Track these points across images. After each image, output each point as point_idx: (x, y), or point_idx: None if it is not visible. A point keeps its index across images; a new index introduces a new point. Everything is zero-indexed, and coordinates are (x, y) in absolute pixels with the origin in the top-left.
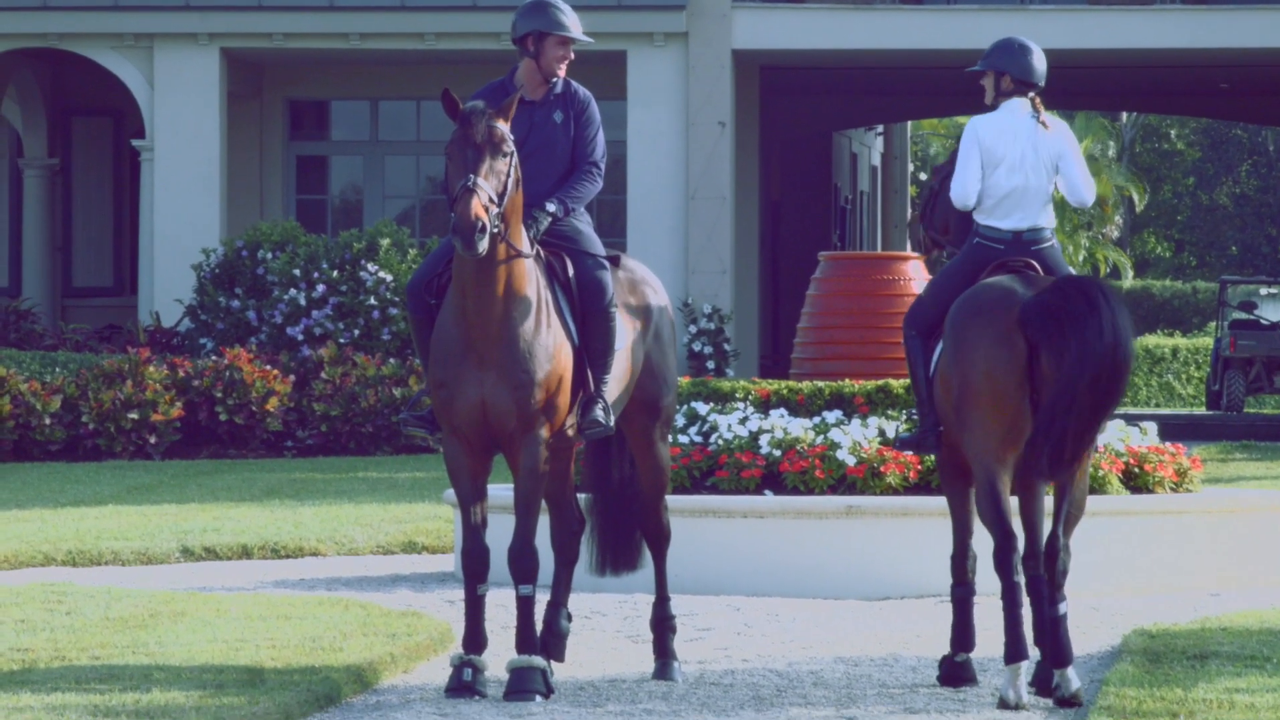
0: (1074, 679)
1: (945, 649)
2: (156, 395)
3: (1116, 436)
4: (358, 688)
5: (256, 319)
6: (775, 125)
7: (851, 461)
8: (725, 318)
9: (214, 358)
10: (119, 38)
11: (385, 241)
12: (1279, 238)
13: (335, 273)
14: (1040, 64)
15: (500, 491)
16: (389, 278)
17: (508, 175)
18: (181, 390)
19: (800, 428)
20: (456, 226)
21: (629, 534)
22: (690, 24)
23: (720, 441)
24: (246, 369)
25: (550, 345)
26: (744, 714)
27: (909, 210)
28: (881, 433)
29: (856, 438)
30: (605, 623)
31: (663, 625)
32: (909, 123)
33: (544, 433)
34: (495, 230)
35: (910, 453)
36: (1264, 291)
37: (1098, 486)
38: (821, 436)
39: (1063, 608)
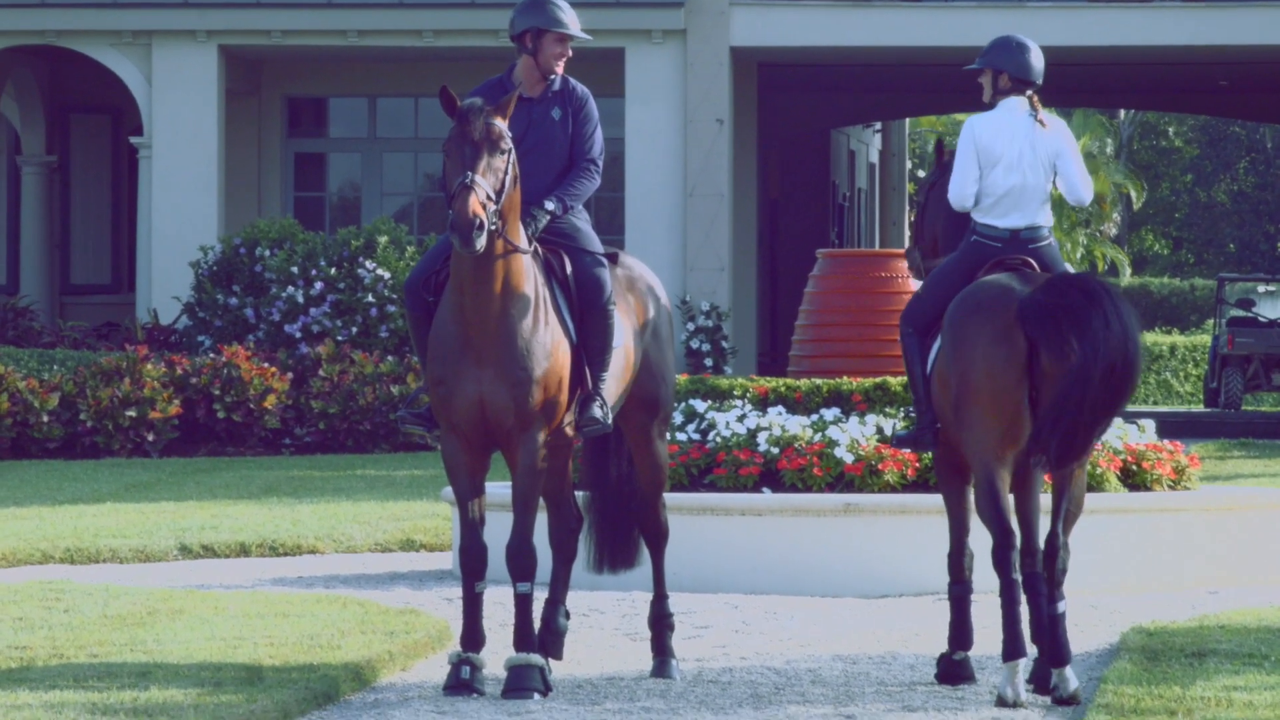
0: (1072, 678)
1: (943, 647)
2: (154, 393)
3: (1114, 434)
4: (356, 685)
5: (254, 316)
6: (773, 123)
7: (849, 459)
8: (723, 315)
9: (212, 355)
10: (117, 35)
11: (383, 239)
12: (1277, 235)
13: (333, 270)
14: (1038, 62)
15: (498, 489)
16: (387, 275)
17: (505, 172)
18: (179, 388)
19: (798, 425)
20: (454, 223)
21: (627, 532)
22: (688, 21)
23: (718, 439)
24: (244, 366)
25: (548, 343)
26: (742, 712)
27: (907, 207)
28: (879, 430)
29: (854, 435)
30: (603, 620)
31: (661, 623)
32: (907, 120)
33: (542, 430)
34: (493, 227)
35: (908, 450)
36: (1262, 289)
37: (1096, 484)
38: (819, 434)
39: (1061, 606)
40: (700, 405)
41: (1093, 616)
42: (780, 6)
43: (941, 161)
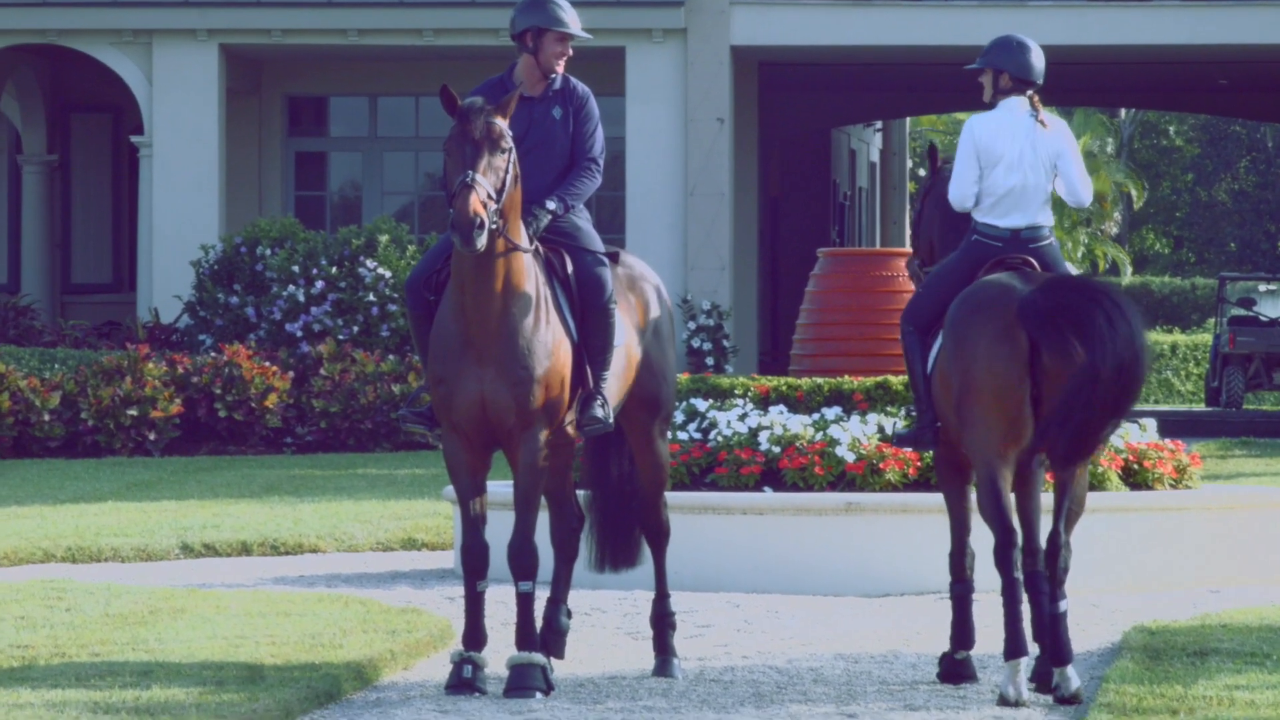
0: (1074, 678)
1: (945, 646)
2: (156, 392)
3: (1116, 433)
4: (358, 684)
5: (255, 315)
6: (774, 122)
7: (851, 458)
8: (724, 314)
9: (213, 354)
10: (118, 34)
11: (384, 238)
12: (1278, 234)
13: (334, 269)
14: (1039, 62)
15: (500, 488)
16: (388, 274)
17: (506, 171)
18: (181, 387)
19: (799, 424)
20: (455, 222)
21: (628, 531)
22: (689, 20)
23: (719, 438)
24: (245, 365)
25: (549, 342)
26: (744, 711)
27: (908, 206)
28: (881, 429)
29: (856, 434)
30: (605, 619)
31: (662, 622)
32: (908, 119)
33: (543, 429)
34: (494, 226)
35: (908, 449)
36: (1263, 288)
37: (1097, 483)
38: (821, 433)
39: (1063, 605)
40: (701, 404)
41: (1094, 615)
42: (781, 6)
43: (935, 168)
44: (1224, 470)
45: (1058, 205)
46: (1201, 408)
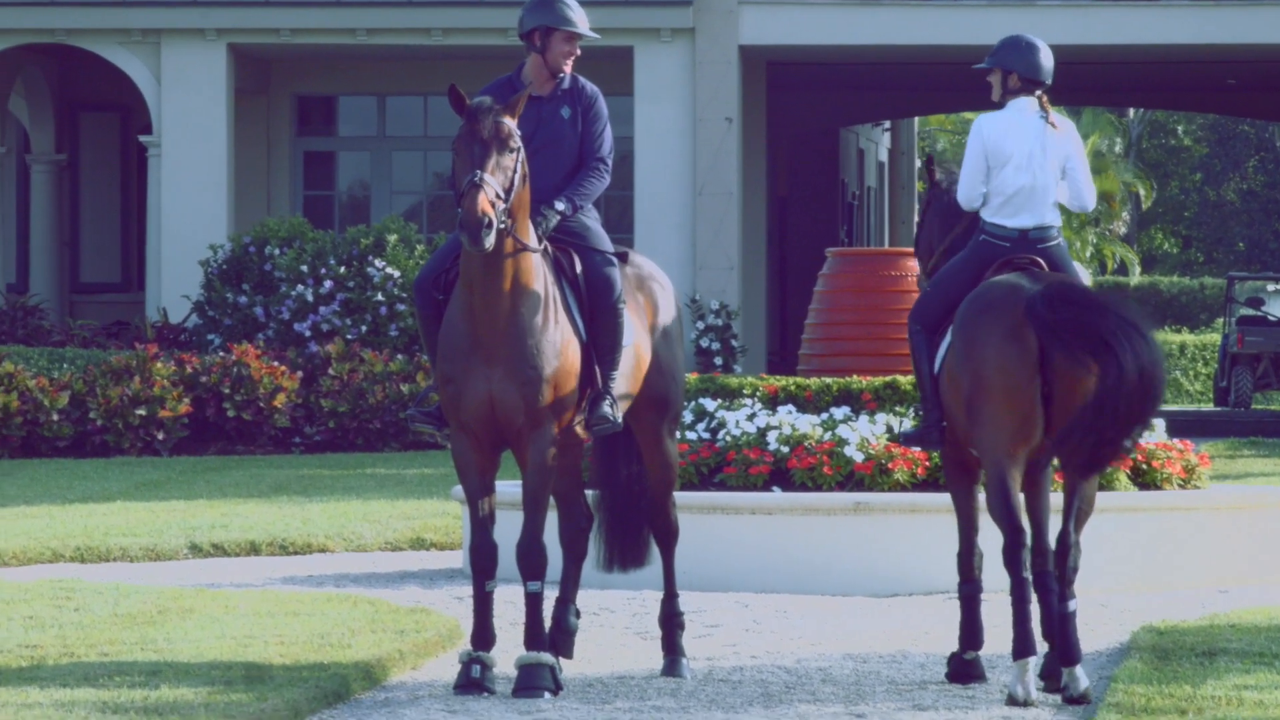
0: (1082, 678)
1: (954, 645)
2: (164, 391)
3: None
4: (366, 684)
5: (264, 315)
6: (782, 121)
7: (859, 458)
8: (733, 314)
9: (221, 354)
10: (126, 33)
11: (393, 237)
12: None
13: (343, 269)
14: (1048, 61)
15: (508, 488)
16: (396, 274)
17: (515, 171)
18: (189, 386)
19: (808, 424)
20: (463, 222)
21: (637, 531)
22: (697, 20)
23: (728, 438)
24: (254, 365)
25: (558, 341)
26: (753, 710)
27: (916, 206)
28: (889, 429)
29: (864, 434)
30: (614, 619)
31: (671, 622)
32: (916, 118)
33: (552, 429)
34: (502, 226)
35: (915, 448)
36: (1271, 288)
37: (1106, 483)
38: (829, 433)
39: (1072, 605)
40: (710, 404)
41: (1103, 615)
42: (789, 5)
43: (934, 179)
44: (1232, 470)
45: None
46: (1210, 407)
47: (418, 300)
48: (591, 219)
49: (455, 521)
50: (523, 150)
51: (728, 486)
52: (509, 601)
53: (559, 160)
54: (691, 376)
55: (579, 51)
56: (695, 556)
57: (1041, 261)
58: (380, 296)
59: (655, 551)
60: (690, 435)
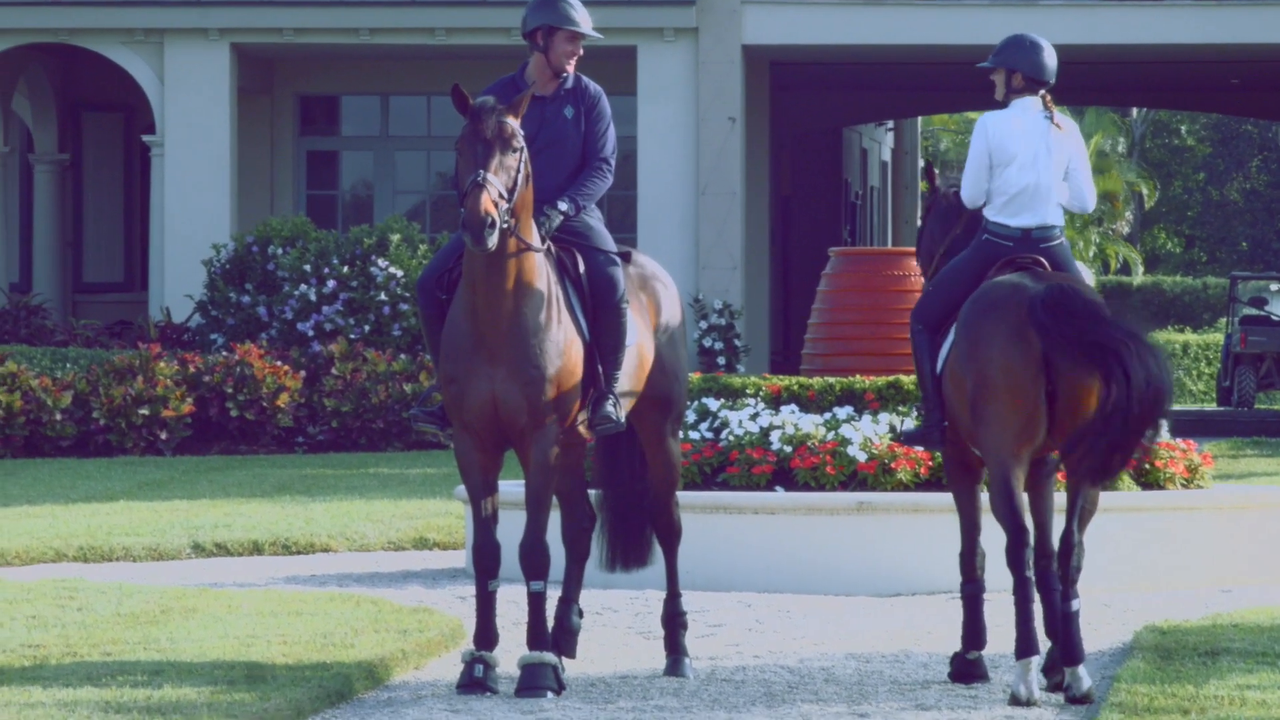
0: (1084, 678)
1: (957, 645)
2: (167, 391)
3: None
4: (369, 684)
5: (267, 314)
6: (785, 120)
7: (862, 457)
8: (736, 313)
9: (225, 353)
10: (129, 33)
11: (396, 237)
12: None
13: (346, 268)
14: (1051, 61)
15: (511, 488)
16: (399, 273)
17: (518, 171)
18: (192, 386)
19: (811, 424)
20: (466, 222)
21: (640, 530)
22: (700, 19)
23: (731, 437)
24: (257, 365)
25: (561, 341)
26: (756, 710)
27: (919, 205)
28: (892, 429)
29: (867, 434)
30: (616, 619)
31: (674, 621)
32: (919, 118)
33: (555, 429)
34: (505, 225)
35: (916, 447)
36: (1274, 287)
37: (1109, 483)
38: (832, 432)
39: (1075, 604)
40: (713, 403)
41: (1106, 615)
42: (792, 5)
43: (933, 186)
44: (1235, 470)
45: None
46: (1213, 407)
47: (421, 300)
48: (594, 219)
49: (458, 521)
50: (526, 150)
51: (731, 486)
52: (512, 601)
53: (562, 160)
54: (694, 376)
55: (582, 51)
56: (698, 556)
57: (1044, 261)
58: (383, 296)
59: (658, 551)
60: (693, 435)
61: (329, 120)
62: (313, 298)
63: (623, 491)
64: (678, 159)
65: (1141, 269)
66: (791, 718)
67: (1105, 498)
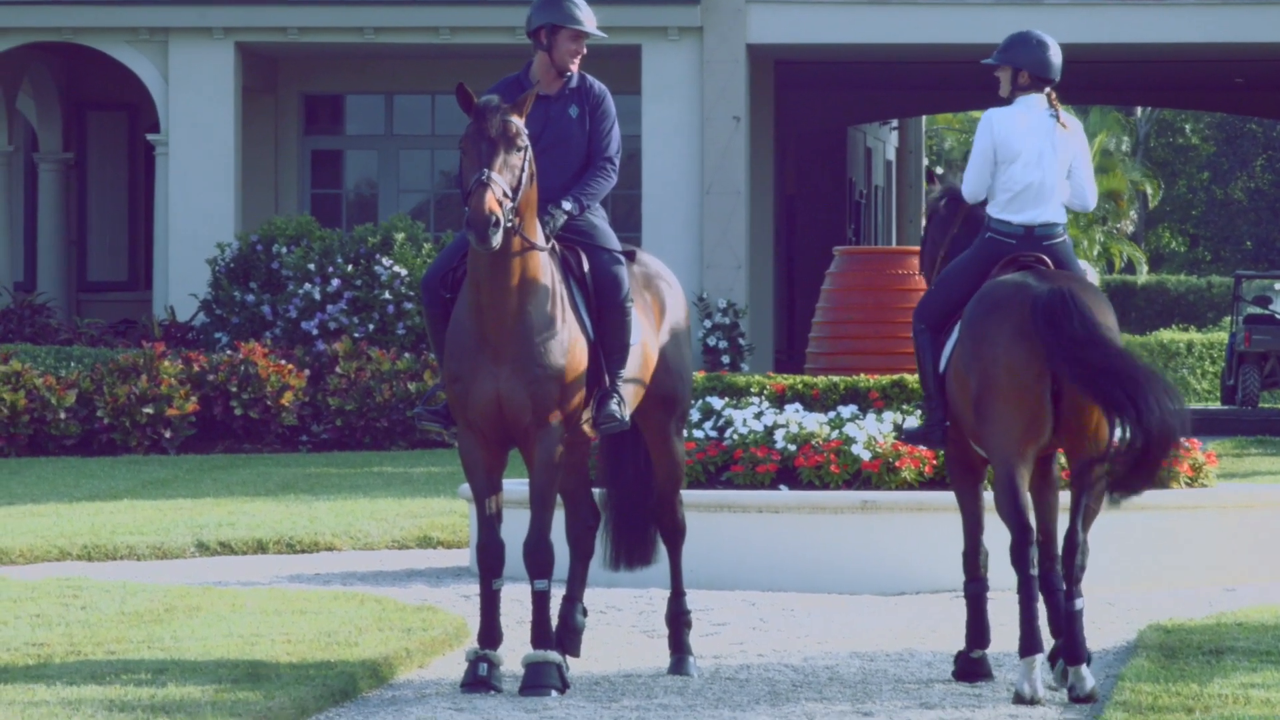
0: (1088, 677)
1: (961, 644)
2: (171, 390)
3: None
4: (373, 682)
5: (271, 313)
6: (790, 120)
7: (867, 456)
8: (740, 312)
9: (229, 352)
10: (134, 32)
11: (400, 236)
12: None
13: (350, 267)
14: (1057, 59)
15: (516, 486)
16: (404, 272)
17: (522, 170)
18: (196, 385)
19: (815, 422)
20: (470, 220)
21: (644, 529)
22: (705, 19)
23: (735, 436)
24: (261, 363)
25: (565, 340)
26: (759, 709)
27: (924, 204)
28: (896, 427)
29: (871, 432)
30: (620, 618)
31: (678, 620)
32: (924, 117)
33: (559, 427)
34: (509, 224)
35: (920, 446)
36: (1278, 286)
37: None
38: (836, 431)
39: (1079, 603)
40: (717, 402)
41: (1110, 614)
42: (797, 4)
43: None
44: (1240, 469)
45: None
46: (1217, 406)
47: (425, 299)
48: (599, 217)
49: (462, 520)
50: (530, 149)
51: (735, 485)
52: (516, 600)
53: (566, 159)
54: (699, 375)
55: (585, 50)
56: (702, 555)
57: (1047, 259)
58: (388, 295)
59: (662, 550)
60: (697, 433)
61: (333, 119)
62: (317, 296)
63: (627, 490)
64: (682, 158)
65: (1146, 268)
66: (796, 716)
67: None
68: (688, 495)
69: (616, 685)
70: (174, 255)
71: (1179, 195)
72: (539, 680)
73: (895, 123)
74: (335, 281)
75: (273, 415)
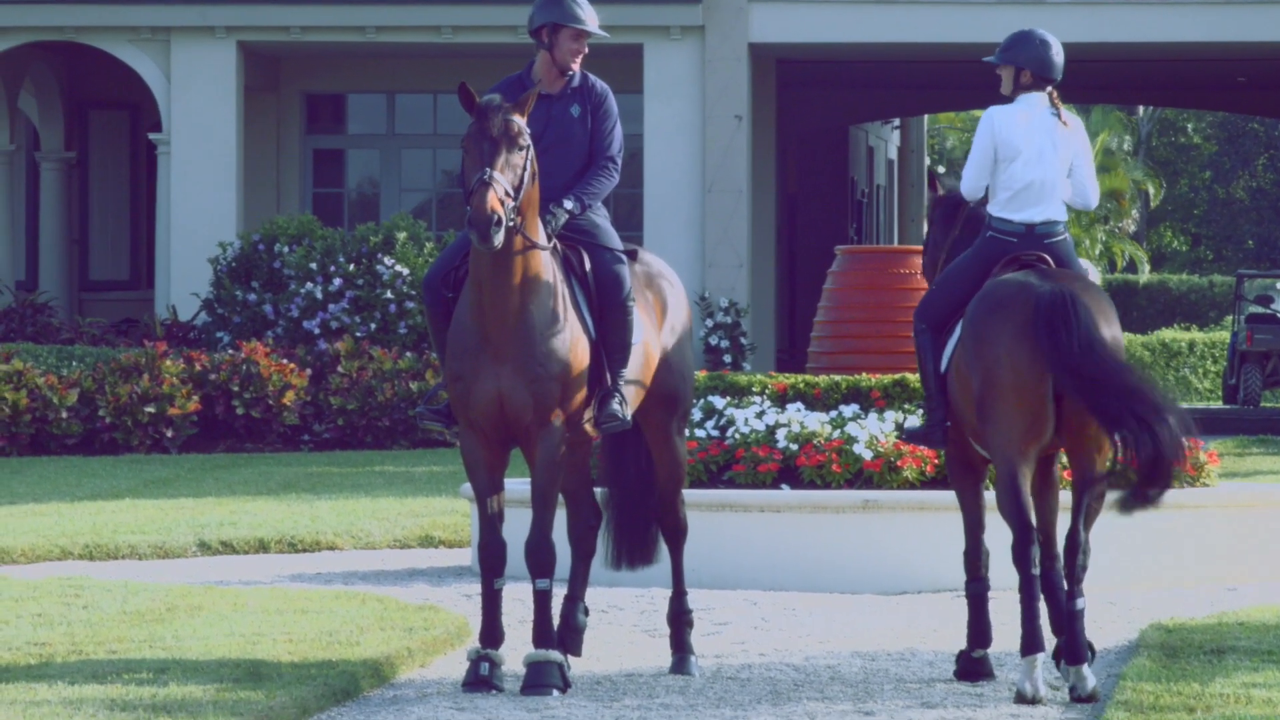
0: (1090, 677)
1: (962, 643)
2: (173, 389)
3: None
4: (375, 682)
5: (273, 313)
6: (792, 119)
7: (868, 456)
8: (742, 311)
9: (230, 351)
10: (135, 31)
11: (402, 235)
12: None
13: (352, 266)
14: (1059, 58)
15: (517, 486)
16: (406, 271)
17: (524, 169)
18: (198, 384)
19: (817, 422)
20: (472, 220)
21: (645, 528)
22: (707, 17)
23: (737, 435)
24: (263, 363)
25: (567, 339)
26: (761, 708)
27: (925, 204)
28: (898, 427)
29: (873, 432)
30: (622, 617)
31: (679, 619)
32: (926, 116)
33: (560, 427)
34: (511, 223)
35: (921, 446)
36: None
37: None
38: (838, 430)
39: (1080, 603)
40: (719, 401)
41: (1111, 613)
42: (799, 3)
43: (937, 195)
44: (1241, 468)
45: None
46: (1219, 405)
47: (427, 298)
48: (600, 216)
49: (464, 519)
50: (532, 148)
51: (736, 484)
52: (517, 599)
53: (568, 158)
54: (700, 374)
55: (587, 49)
56: (704, 554)
57: (1048, 258)
58: (389, 294)
59: (664, 549)
60: (699, 433)
61: (335, 118)
62: (319, 296)
63: (629, 489)
64: (684, 157)
65: (1148, 267)
66: (797, 716)
67: (1111, 496)
68: (689, 494)
69: (618, 684)
70: (176, 254)
71: (1181, 194)
72: (541, 679)
73: (897, 122)
74: (337, 281)
75: (274, 414)
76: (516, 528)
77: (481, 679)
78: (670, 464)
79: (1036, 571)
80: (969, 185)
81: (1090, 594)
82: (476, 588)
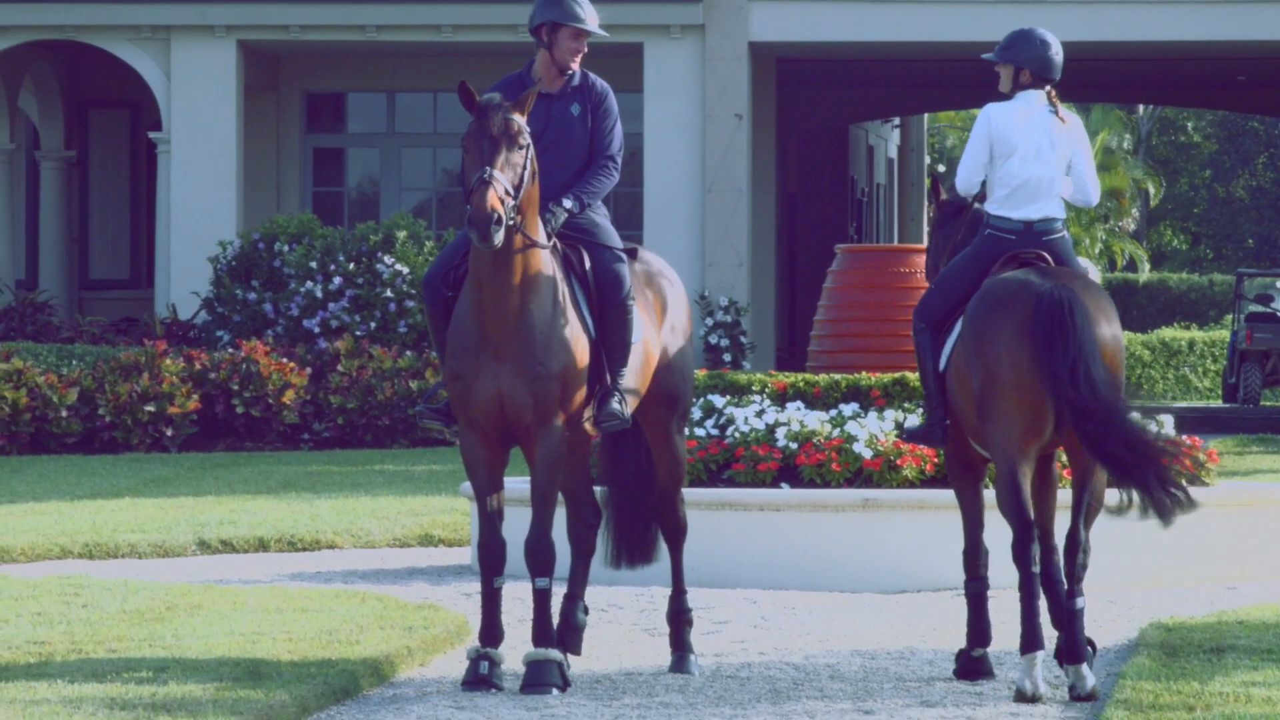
0: (1089, 676)
1: (962, 642)
2: (173, 388)
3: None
4: (374, 680)
5: (273, 311)
6: (792, 118)
7: (868, 454)
8: (742, 310)
9: (230, 350)
10: (135, 30)
11: (402, 234)
12: None
13: (352, 265)
14: (1059, 57)
15: (517, 484)
16: (406, 270)
17: (524, 167)
18: (198, 383)
19: (817, 420)
20: (472, 218)
21: (645, 527)
22: (707, 16)
23: (737, 434)
24: (263, 361)
25: (567, 338)
26: (760, 707)
27: (926, 202)
28: (898, 425)
29: (873, 430)
30: (622, 616)
31: (679, 618)
32: (926, 115)
33: (560, 426)
34: (511, 222)
35: (921, 445)
36: None
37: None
38: (838, 429)
39: (1080, 602)
40: (719, 400)
41: (1111, 612)
42: (799, 2)
43: (939, 200)
44: (1241, 467)
45: (1068, 200)
46: (1219, 404)
47: (427, 297)
48: (600, 215)
49: (464, 518)
50: (532, 147)
51: (736, 483)
52: (517, 598)
53: (569, 157)
54: (700, 373)
55: (587, 48)
56: (703, 553)
57: (1047, 255)
58: (389, 293)
59: (663, 548)
60: (699, 432)
61: (335, 117)
62: (319, 294)
63: (628, 488)
64: (684, 156)
65: (1148, 266)
66: (797, 714)
67: (1111, 494)
68: (689, 493)
69: (618, 683)
70: (176, 253)
71: (1181, 193)
72: (540, 678)
73: (897, 121)
74: (337, 279)
75: (274, 413)
76: (516, 526)
77: (481, 678)
78: (670, 463)
79: (1036, 570)
80: (963, 179)
81: (1090, 593)
82: (476, 586)
